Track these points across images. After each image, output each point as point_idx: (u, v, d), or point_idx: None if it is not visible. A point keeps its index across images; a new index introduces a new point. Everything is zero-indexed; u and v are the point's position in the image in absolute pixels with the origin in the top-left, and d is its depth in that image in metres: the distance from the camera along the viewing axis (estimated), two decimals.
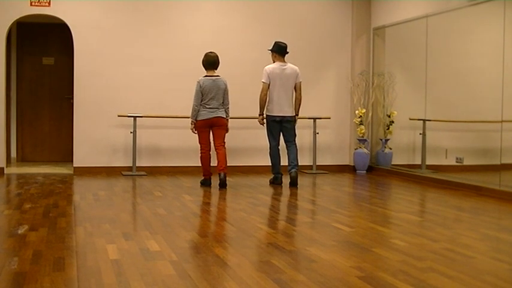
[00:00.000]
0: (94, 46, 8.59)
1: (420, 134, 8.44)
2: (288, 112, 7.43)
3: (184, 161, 8.90)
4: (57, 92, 9.82)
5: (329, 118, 9.25)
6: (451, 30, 8.24)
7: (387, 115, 9.17)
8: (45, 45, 9.83)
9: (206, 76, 7.25)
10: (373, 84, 9.34)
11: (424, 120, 8.36)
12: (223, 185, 7.13)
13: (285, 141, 7.54)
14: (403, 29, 8.92)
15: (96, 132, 8.61)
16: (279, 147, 7.55)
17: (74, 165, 8.58)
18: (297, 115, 7.57)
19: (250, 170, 8.82)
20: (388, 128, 9.14)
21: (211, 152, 7.37)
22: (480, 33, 8.01)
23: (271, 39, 9.08)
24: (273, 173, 7.62)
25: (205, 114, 7.16)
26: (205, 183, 7.35)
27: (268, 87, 7.36)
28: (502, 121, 7.06)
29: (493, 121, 7.25)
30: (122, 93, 8.67)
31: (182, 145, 8.91)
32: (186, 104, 8.82)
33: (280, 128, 7.47)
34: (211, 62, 7.26)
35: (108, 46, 8.64)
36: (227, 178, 7.31)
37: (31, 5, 8.32)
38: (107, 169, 8.62)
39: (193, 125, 7.25)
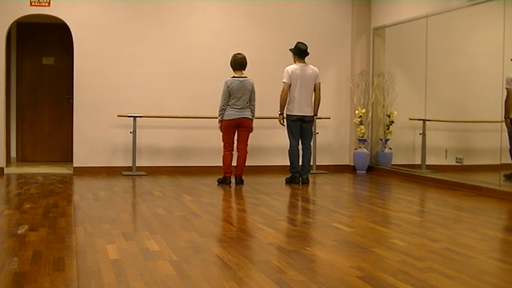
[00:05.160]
0: (94, 46, 8.59)
1: (420, 134, 8.44)
2: (308, 112, 7.59)
3: (184, 161, 8.91)
4: (57, 92, 9.82)
5: (329, 118, 9.25)
6: (451, 30, 8.24)
7: (387, 115, 9.17)
8: (45, 45, 9.82)
9: (234, 77, 7.35)
10: (373, 84, 9.34)
11: (424, 120, 8.36)
12: (240, 182, 7.52)
13: (302, 142, 7.68)
14: (403, 29, 8.92)
15: (96, 132, 8.61)
16: (299, 146, 7.70)
17: (74, 165, 8.58)
18: (316, 115, 7.78)
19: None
20: (388, 128, 9.14)
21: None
22: (480, 33, 8.01)
23: (271, 40, 9.14)
24: (291, 172, 7.74)
25: (232, 114, 7.29)
26: (225, 182, 7.46)
27: (289, 88, 7.47)
28: (502, 121, 7.06)
29: (493, 121, 7.25)
30: (121, 93, 8.67)
31: (182, 145, 8.91)
32: (185, 104, 8.86)
33: (300, 127, 7.58)
34: (239, 63, 7.38)
35: (108, 46, 8.64)
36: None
37: (31, 5, 8.32)
38: (107, 169, 8.61)
39: (220, 124, 7.38)
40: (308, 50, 7.60)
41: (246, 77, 7.39)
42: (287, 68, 7.56)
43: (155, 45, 8.78)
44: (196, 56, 8.92)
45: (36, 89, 9.80)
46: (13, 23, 8.50)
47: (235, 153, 7.51)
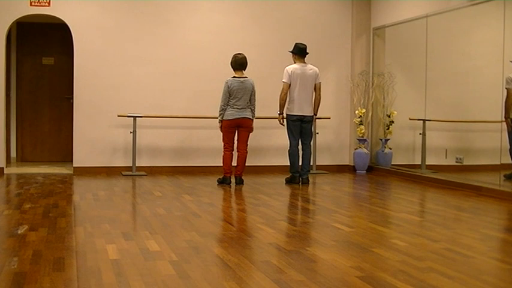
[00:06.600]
0: (94, 46, 8.59)
1: (420, 134, 8.44)
2: (308, 112, 7.59)
3: (184, 161, 8.91)
4: (57, 92, 9.81)
5: (329, 118, 9.25)
6: (451, 30, 8.25)
7: (387, 115, 9.17)
8: (45, 45, 9.82)
9: (234, 77, 7.35)
10: (373, 84, 9.34)
11: (424, 120, 8.36)
12: (240, 182, 7.52)
13: (301, 142, 7.67)
14: (403, 29, 8.92)
15: (96, 132, 8.61)
16: (299, 146, 7.70)
17: (74, 165, 8.58)
18: (315, 115, 7.77)
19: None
20: (388, 128, 9.14)
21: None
22: (480, 33, 8.01)
23: (271, 40, 9.14)
24: (291, 172, 7.74)
25: (232, 114, 7.29)
26: (225, 182, 7.47)
27: (289, 87, 7.47)
28: (502, 121, 7.06)
29: (493, 121, 7.25)
30: (122, 93, 8.67)
31: (182, 145, 8.91)
32: (185, 104, 8.87)
33: (300, 127, 7.57)
34: (239, 63, 7.39)
35: (108, 46, 8.64)
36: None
37: (31, 5, 8.32)
38: (107, 169, 8.62)
39: (220, 124, 7.38)
40: (307, 50, 7.60)
41: (246, 77, 7.39)
42: (287, 67, 7.56)
43: (155, 45, 8.78)
44: (196, 56, 8.92)
45: (36, 89, 9.80)
46: (13, 23, 8.50)
47: (235, 153, 7.51)
